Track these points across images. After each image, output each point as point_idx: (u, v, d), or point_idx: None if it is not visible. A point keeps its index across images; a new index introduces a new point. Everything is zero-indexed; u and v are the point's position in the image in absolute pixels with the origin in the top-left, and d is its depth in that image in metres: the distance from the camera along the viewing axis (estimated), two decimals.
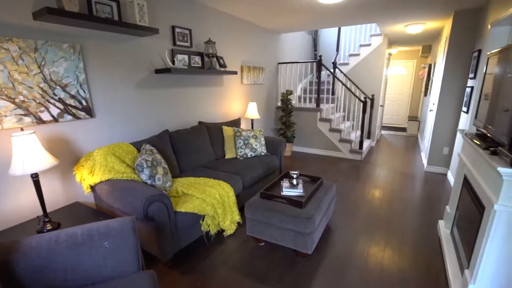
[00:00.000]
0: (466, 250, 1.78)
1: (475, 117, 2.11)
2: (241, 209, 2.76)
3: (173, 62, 2.89)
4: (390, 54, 6.79)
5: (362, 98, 5.50)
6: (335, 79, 5.21)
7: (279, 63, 5.21)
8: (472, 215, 1.76)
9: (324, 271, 1.99)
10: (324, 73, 6.02)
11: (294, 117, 5.20)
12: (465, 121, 3.34)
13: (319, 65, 4.79)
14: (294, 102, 5.40)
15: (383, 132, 7.63)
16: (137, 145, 2.38)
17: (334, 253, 2.19)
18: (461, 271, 1.80)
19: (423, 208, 2.98)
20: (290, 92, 4.89)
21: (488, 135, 1.74)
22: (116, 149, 2.16)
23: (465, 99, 3.45)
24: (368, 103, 5.75)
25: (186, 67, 2.79)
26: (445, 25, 4.30)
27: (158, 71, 2.71)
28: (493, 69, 1.85)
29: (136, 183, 1.96)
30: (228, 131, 3.35)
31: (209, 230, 2.23)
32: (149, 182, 2.08)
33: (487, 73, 2.00)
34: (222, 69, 3.42)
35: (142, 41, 2.58)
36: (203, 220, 2.19)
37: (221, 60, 3.38)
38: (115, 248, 1.28)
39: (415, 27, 4.38)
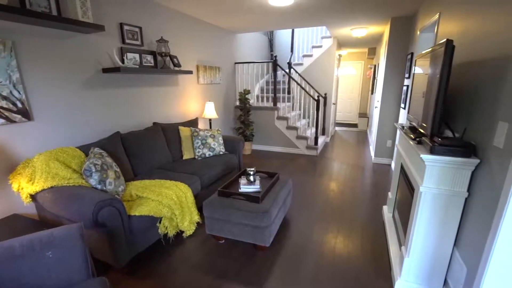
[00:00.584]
0: (403, 230, 2.02)
1: (408, 112, 2.38)
2: (200, 209, 2.75)
3: (122, 61, 2.76)
4: (340, 55, 7.25)
5: (316, 97, 5.80)
6: (291, 78, 5.42)
7: (236, 63, 5.25)
8: (407, 198, 1.99)
9: (282, 261, 2.09)
10: (280, 73, 6.22)
11: (253, 116, 5.30)
12: (403, 116, 3.73)
13: (275, 65, 4.94)
14: (252, 101, 5.49)
15: (337, 128, 8.13)
16: (85, 149, 2.24)
17: (291, 244, 2.31)
18: (400, 248, 2.03)
19: (370, 196, 3.26)
20: (247, 92, 4.97)
21: (417, 127, 1.98)
22: (60, 154, 2.01)
23: (402, 96, 3.86)
24: (322, 102, 6.09)
25: (137, 66, 2.69)
26: (385, 30, 4.74)
27: (106, 70, 2.57)
28: (419, 70, 2.11)
29: (84, 189, 1.85)
30: (185, 131, 3.30)
31: (167, 232, 2.20)
32: (99, 187, 1.98)
33: (415, 73, 2.27)
34: (176, 68, 3.36)
35: (88, 38, 2.43)
36: (160, 222, 2.15)
37: (175, 59, 3.32)
38: (60, 257, 1.22)
39: (360, 31, 4.76)
